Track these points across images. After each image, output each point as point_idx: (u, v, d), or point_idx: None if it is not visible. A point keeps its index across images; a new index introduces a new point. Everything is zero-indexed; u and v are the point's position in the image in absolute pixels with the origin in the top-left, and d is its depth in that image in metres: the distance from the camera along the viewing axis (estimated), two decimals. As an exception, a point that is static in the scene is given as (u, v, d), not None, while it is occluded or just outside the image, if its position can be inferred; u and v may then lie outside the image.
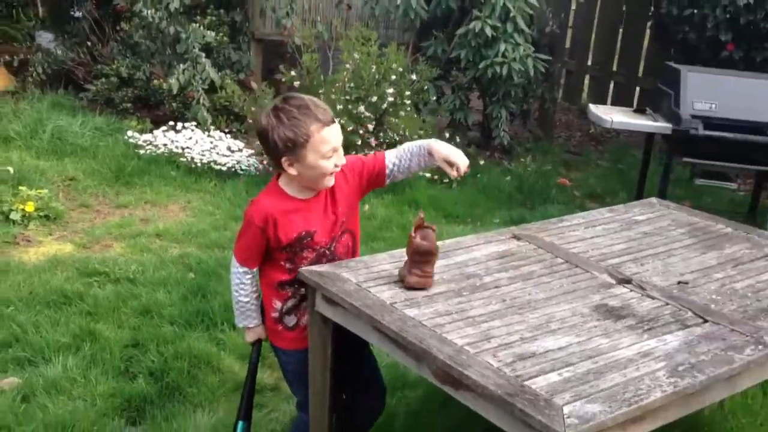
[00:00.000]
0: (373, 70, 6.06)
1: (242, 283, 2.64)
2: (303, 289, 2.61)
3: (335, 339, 2.58)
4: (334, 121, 2.50)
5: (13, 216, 4.85)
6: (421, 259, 2.52)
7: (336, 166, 2.52)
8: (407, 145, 2.71)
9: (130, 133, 6.41)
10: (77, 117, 6.60)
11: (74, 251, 4.63)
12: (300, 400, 2.83)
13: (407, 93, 6.16)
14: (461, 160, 2.71)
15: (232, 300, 2.70)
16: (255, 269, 2.64)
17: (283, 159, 2.45)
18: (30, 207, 4.89)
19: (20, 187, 5.13)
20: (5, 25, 8.61)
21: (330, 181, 2.55)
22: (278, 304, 2.65)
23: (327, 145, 2.45)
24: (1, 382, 3.26)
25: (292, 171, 2.47)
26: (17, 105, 6.78)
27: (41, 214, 4.96)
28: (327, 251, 2.63)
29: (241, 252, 2.61)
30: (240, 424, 2.79)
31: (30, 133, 6.16)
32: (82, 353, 3.50)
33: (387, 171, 2.68)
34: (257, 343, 2.77)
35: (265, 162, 6.15)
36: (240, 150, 6.37)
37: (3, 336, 3.58)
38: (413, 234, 2.52)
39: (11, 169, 5.34)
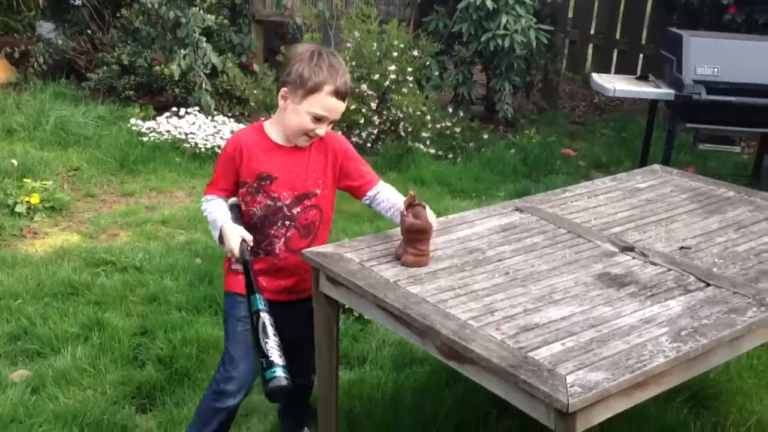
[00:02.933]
0: (375, 48, 6.04)
1: (206, 208, 2.63)
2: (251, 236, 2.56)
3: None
4: (344, 101, 2.54)
5: (19, 209, 4.86)
6: (416, 237, 2.52)
7: (315, 133, 2.53)
8: (396, 199, 2.71)
9: (133, 120, 6.41)
10: (80, 106, 6.60)
11: (80, 241, 4.65)
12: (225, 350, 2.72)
13: (409, 69, 6.13)
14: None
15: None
16: (220, 197, 2.62)
17: (285, 88, 2.50)
18: (35, 199, 4.90)
19: (25, 179, 5.15)
20: (5, 16, 8.62)
21: (302, 141, 2.57)
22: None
23: (324, 109, 2.49)
24: (11, 375, 3.29)
25: (282, 104, 2.52)
26: (19, 96, 6.78)
27: (46, 205, 4.97)
28: (285, 209, 2.60)
29: (210, 183, 2.67)
30: (256, 296, 2.46)
31: (33, 124, 6.17)
32: (91, 343, 3.52)
33: (366, 194, 2.72)
34: (242, 243, 2.52)
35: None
36: (243, 133, 6.37)
37: (12, 329, 3.60)
38: (405, 213, 2.51)
39: (15, 162, 5.36)
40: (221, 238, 2.57)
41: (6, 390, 3.16)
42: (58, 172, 5.60)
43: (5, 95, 6.85)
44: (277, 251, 2.64)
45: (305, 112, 2.49)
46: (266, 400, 2.38)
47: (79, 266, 4.22)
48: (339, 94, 2.50)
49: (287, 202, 2.60)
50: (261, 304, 2.40)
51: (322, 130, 2.54)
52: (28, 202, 4.89)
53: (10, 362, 3.40)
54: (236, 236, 2.52)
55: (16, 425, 2.97)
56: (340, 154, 2.66)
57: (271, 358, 2.26)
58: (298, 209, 2.62)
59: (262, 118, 2.66)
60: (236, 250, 2.52)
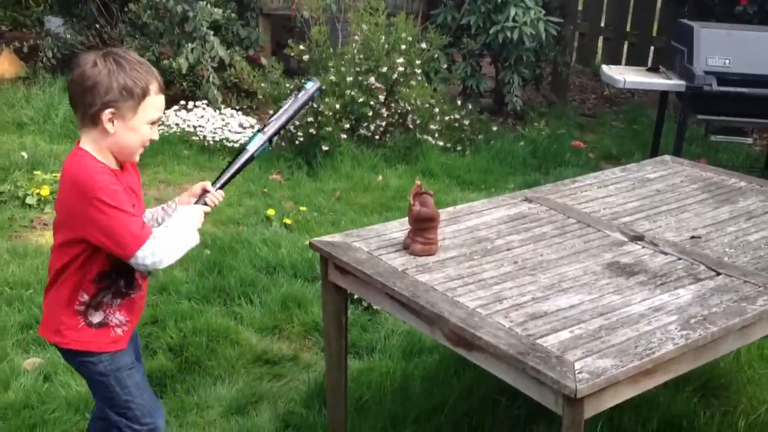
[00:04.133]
0: (383, 41, 6.03)
1: (162, 243, 2.16)
2: (121, 281, 2.24)
3: None
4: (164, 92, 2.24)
5: (29, 200, 4.88)
6: (423, 226, 2.52)
7: (152, 139, 2.21)
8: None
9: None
10: (89, 100, 6.61)
11: (91, 232, 4.66)
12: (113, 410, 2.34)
13: (417, 62, 6.12)
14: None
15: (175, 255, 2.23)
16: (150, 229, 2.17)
17: (108, 111, 2.09)
18: (45, 191, 4.92)
19: (35, 172, 5.16)
20: (15, 11, 8.64)
21: (137, 156, 2.23)
22: (85, 297, 2.21)
23: (157, 111, 2.19)
24: (23, 363, 3.31)
25: (110, 128, 2.11)
26: (29, 90, 6.80)
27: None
28: None
29: (130, 231, 2.10)
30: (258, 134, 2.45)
31: (42, 117, 6.19)
32: (102, 332, 3.53)
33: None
34: (202, 195, 2.36)
35: (277, 137, 6.15)
36: (251, 126, 6.37)
37: (24, 318, 3.62)
38: (412, 202, 2.51)
39: (25, 154, 5.38)
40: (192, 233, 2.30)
41: (19, 377, 3.18)
42: (68, 164, 5.62)
43: (15, 89, 6.87)
44: (140, 282, 2.32)
45: (142, 123, 2.15)
46: None
47: (88, 257, 4.23)
48: (162, 89, 2.20)
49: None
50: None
51: (155, 133, 2.22)
52: (38, 194, 4.91)
53: (23, 350, 3.42)
54: (197, 210, 2.32)
55: (29, 411, 2.99)
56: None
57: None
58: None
59: (83, 152, 2.14)
60: (206, 208, 2.34)
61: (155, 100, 2.17)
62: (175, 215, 2.32)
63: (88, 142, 2.16)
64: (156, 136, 2.23)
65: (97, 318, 2.24)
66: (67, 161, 2.18)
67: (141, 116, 2.14)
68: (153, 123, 2.19)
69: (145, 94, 2.13)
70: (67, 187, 2.16)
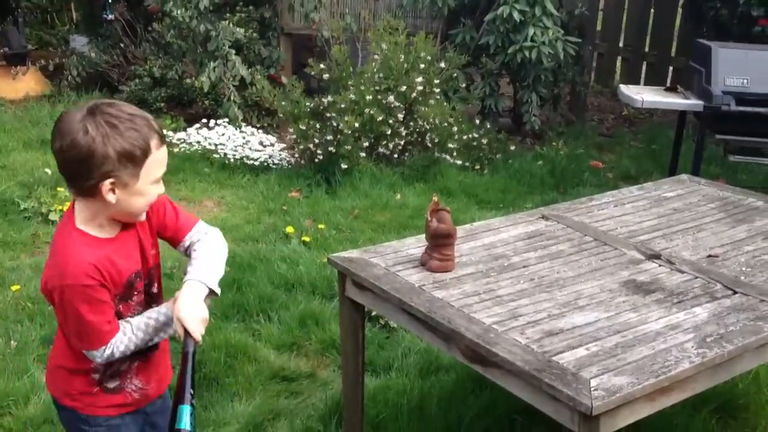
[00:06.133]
0: (402, 60, 6.07)
1: (120, 348, 2.01)
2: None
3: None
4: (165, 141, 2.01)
5: (52, 217, 4.95)
6: (441, 242, 2.54)
7: (159, 195, 2.03)
8: (202, 252, 2.21)
9: (164, 131, 6.49)
10: (112, 118, 6.70)
11: (112, 249, 4.71)
12: None
13: (436, 81, 6.16)
14: (193, 327, 2.01)
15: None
16: (119, 328, 2.01)
17: (108, 181, 1.87)
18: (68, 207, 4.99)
19: (58, 189, 5.23)
20: (40, 30, 8.79)
21: (144, 216, 2.06)
22: (101, 368, 2.07)
23: (161, 167, 1.97)
24: (44, 378, 3.34)
25: (112, 198, 1.90)
26: (54, 108, 6.91)
27: (80, 214, 5.06)
28: (150, 290, 2.16)
29: (94, 332, 1.96)
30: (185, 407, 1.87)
31: (67, 135, 6.27)
32: (122, 346, 3.57)
33: (182, 240, 2.23)
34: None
35: (296, 155, 6.21)
36: (272, 144, 6.44)
37: (45, 333, 3.65)
38: (429, 218, 2.53)
39: (49, 171, 5.46)
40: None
41: (39, 392, 3.22)
42: (91, 181, 5.70)
43: (40, 107, 6.99)
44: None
45: (146, 185, 1.94)
46: None
47: (110, 273, 4.27)
48: (163, 139, 1.97)
49: (148, 284, 2.15)
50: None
51: (162, 185, 2.02)
52: (61, 210, 4.98)
53: (43, 365, 3.45)
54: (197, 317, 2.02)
55: (48, 426, 3.03)
56: (156, 206, 2.13)
57: None
58: (153, 281, 2.18)
59: (64, 220, 2.00)
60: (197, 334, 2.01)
61: (157, 156, 1.94)
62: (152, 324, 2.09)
63: (82, 213, 1.96)
64: (162, 190, 2.02)
65: (112, 383, 2.10)
66: (56, 234, 2.00)
67: (144, 178, 1.92)
68: (157, 180, 1.98)
69: (146, 154, 1.90)
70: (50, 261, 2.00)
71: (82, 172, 1.87)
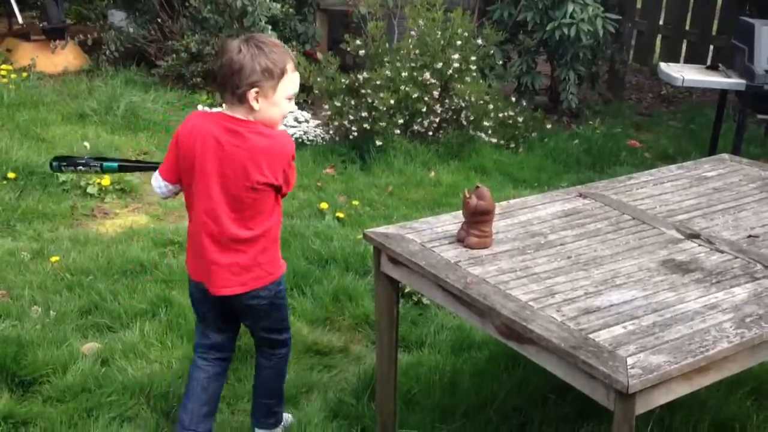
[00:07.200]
0: (438, 36, 6.03)
1: None
2: None
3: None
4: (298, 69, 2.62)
5: (90, 190, 5.01)
6: (480, 218, 2.53)
7: (290, 111, 2.63)
8: None
9: (200, 107, 6.53)
10: (149, 93, 6.75)
11: (149, 222, 4.77)
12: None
13: (473, 58, 6.11)
14: None
15: None
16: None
17: (253, 90, 2.44)
18: (106, 181, 5.04)
19: (97, 162, 5.29)
20: (79, 5, 8.85)
21: (280, 126, 2.63)
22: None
23: (294, 86, 2.52)
24: (82, 347, 3.40)
25: (256, 105, 2.46)
26: (92, 83, 6.97)
27: (117, 187, 5.11)
28: None
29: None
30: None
31: (104, 109, 6.33)
32: (159, 319, 3.61)
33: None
34: None
35: (331, 132, 6.20)
36: (306, 121, 6.43)
37: (83, 303, 3.72)
38: (468, 195, 2.52)
39: (88, 145, 5.51)
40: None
41: (77, 361, 3.27)
42: (128, 155, 5.74)
43: (78, 81, 7.05)
44: None
45: (282, 99, 2.50)
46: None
47: (147, 246, 4.33)
48: (295, 66, 2.54)
49: None
50: None
51: (293, 104, 2.59)
52: (99, 183, 5.04)
53: (82, 335, 3.51)
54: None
55: (86, 395, 3.08)
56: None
57: None
58: None
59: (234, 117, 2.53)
60: None
61: (292, 77, 2.50)
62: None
63: (239, 118, 2.50)
64: (294, 108, 2.60)
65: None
66: (246, 132, 2.49)
67: (281, 92, 2.48)
68: (290, 98, 2.53)
69: (283, 73, 2.46)
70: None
71: (235, 81, 2.44)
